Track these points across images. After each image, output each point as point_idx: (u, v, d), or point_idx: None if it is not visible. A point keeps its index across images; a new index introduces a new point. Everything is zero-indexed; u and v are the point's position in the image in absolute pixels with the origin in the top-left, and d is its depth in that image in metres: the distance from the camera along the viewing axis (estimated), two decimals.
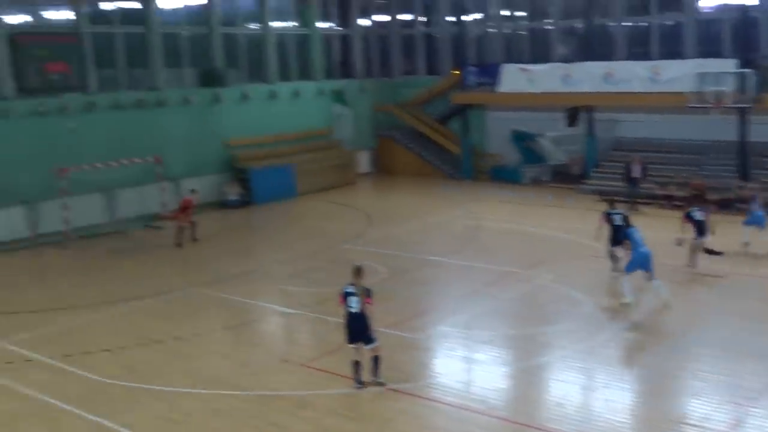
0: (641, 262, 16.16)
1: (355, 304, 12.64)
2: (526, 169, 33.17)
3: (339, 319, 15.77)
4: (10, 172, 24.34)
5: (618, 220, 18.31)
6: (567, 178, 31.69)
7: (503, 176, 33.46)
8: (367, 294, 12.68)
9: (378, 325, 15.60)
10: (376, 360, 12.88)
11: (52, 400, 12.71)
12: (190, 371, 13.80)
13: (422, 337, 15.24)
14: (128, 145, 26.89)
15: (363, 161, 36.52)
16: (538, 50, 35.11)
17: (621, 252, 17.62)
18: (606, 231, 18.55)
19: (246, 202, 29.88)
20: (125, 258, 22.65)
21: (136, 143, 27.20)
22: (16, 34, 25.05)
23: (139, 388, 13.12)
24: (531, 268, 19.72)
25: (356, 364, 12.79)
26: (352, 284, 12.84)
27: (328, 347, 14.66)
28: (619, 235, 17.71)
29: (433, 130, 36.17)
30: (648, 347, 14.43)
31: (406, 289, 18.53)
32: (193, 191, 25.26)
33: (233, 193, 29.72)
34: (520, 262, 20.42)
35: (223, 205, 29.52)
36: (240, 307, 17.59)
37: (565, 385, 12.84)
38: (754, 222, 20.62)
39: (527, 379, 13.22)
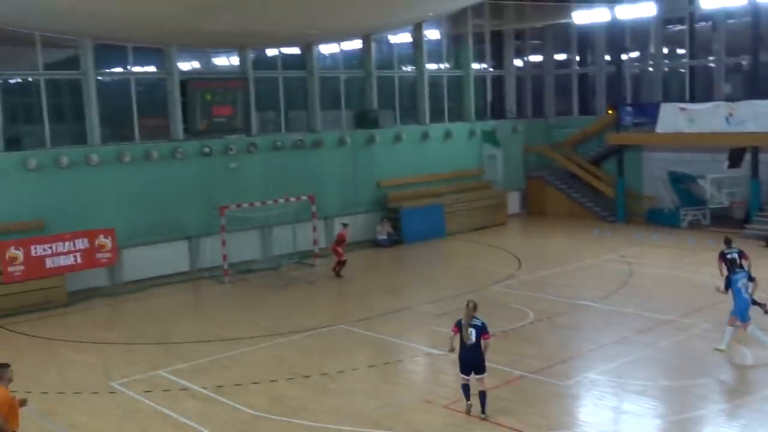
0: (745, 309, 15.71)
1: (474, 336, 13.17)
2: (685, 211, 31.79)
3: (488, 363, 15.63)
4: (176, 208, 25.73)
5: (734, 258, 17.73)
6: (728, 222, 30.08)
7: (659, 219, 32.18)
8: (485, 329, 13.29)
9: (524, 370, 15.36)
10: (483, 396, 13.21)
11: (204, 429, 13.16)
12: (336, 407, 13.95)
13: (569, 384, 14.76)
14: (285, 184, 27.82)
15: (513, 202, 36.16)
16: (699, 89, 33.76)
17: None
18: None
19: (396, 241, 30.19)
20: (277, 293, 23.34)
21: (293, 182, 28.11)
22: (187, 80, 26.61)
23: (286, 422, 13.37)
24: (687, 316, 18.77)
25: (466, 387, 13.35)
26: (471, 317, 13.39)
27: (471, 389, 14.46)
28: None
29: (586, 171, 35.38)
30: None
31: (553, 333, 18.06)
32: (345, 225, 26.37)
33: (384, 232, 30.11)
34: (675, 309, 19.48)
35: (374, 243, 29.95)
36: (386, 345, 17.68)
37: None
38: None
39: None
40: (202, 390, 15.10)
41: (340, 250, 25.36)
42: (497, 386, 14.64)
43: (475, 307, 13.45)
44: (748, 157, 29.52)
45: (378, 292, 22.90)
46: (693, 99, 32.94)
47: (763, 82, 30.25)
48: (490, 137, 35.02)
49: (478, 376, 13.22)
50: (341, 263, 25.22)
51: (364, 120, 31.14)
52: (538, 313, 19.61)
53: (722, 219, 30.50)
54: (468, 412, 13.34)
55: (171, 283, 24.88)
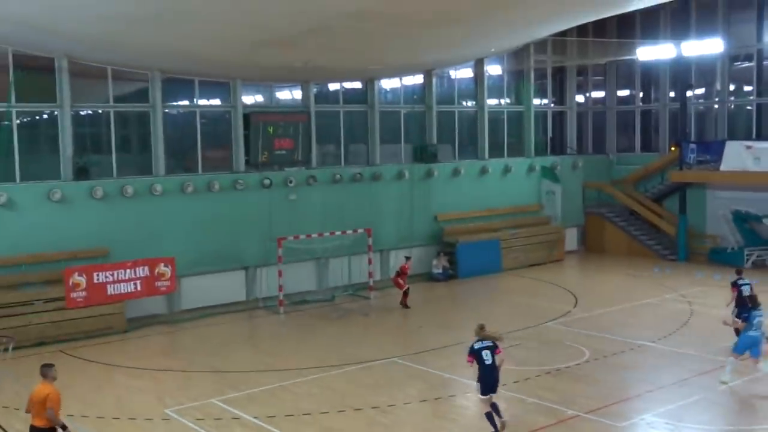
0: (749, 345, 16.38)
1: (489, 356, 13.76)
2: (749, 251, 30.96)
3: (537, 400, 15.38)
4: (236, 238, 26.03)
5: (746, 291, 17.89)
6: None
7: (722, 259, 31.37)
8: (496, 346, 13.94)
9: (578, 409, 15.05)
10: (496, 406, 13.81)
11: None
12: None
13: (625, 426, 14.40)
14: (342, 216, 27.96)
15: (571, 238, 35.67)
16: (766, 126, 33.01)
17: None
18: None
19: (451, 275, 30.03)
20: (331, 325, 23.38)
21: (350, 215, 28.23)
22: (250, 113, 27.09)
23: None
24: (749, 359, 18.19)
25: (490, 414, 13.68)
26: (480, 339, 13.97)
27: (521, 428, 14.23)
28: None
29: (647, 208, 34.77)
30: None
31: (609, 372, 17.69)
32: (408, 258, 26.76)
33: (439, 266, 29.98)
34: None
35: (429, 277, 29.83)
36: (439, 380, 17.53)
37: None
38: None
39: None
40: (253, 420, 15.14)
41: (401, 281, 25.56)
42: (550, 425, 14.38)
43: (481, 327, 14.11)
44: None
45: (432, 327, 22.76)
46: (759, 137, 32.20)
47: None
48: (549, 173, 34.75)
49: (495, 394, 13.89)
50: (405, 294, 25.38)
51: (423, 154, 31.20)
52: (594, 352, 19.25)
53: None
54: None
55: (227, 313, 25.13)
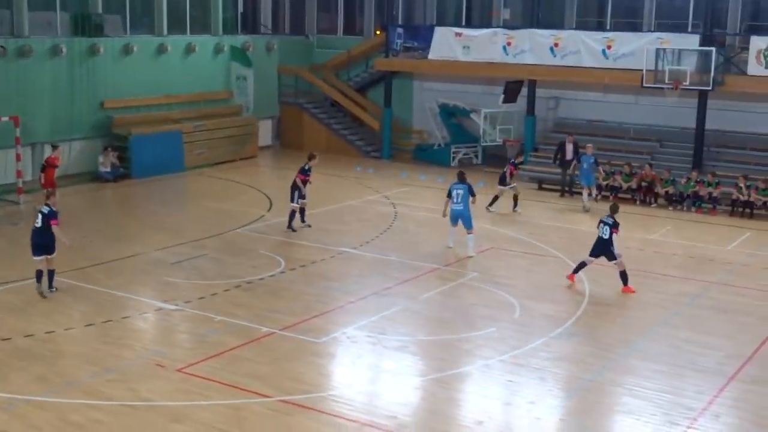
0: (456, 217, 20.96)
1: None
2: (456, 149, 33.38)
3: (226, 318, 15.69)
4: None
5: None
6: (501, 161, 31.98)
7: (428, 157, 33.62)
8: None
9: (273, 326, 15.57)
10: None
11: None
12: (42, 377, 13.38)
13: (325, 341, 15.15)
14: None
15: (264, 132, 36.14)
16: (477, 13, 35.31)
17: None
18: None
19: (123, 174, 29.28)
20: None
21: None
22: None
23: None
24: (452, 264, 19.87)
25: None
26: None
27: (209, 350, 14.46)
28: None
29: (350, 99, 36.05)
30: (582, 358, 14.65)
31: (308, 284, 18.42)
32: (54, 147, 25.47)
33: (107, 163, 29.04)
34: (442, 257, 20.57)
35: (95, 177, 28.87)
36: (110, 300, 17.17)
37: (486, 401, 12.94)
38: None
39: (444, 392, 13.26)
40: None
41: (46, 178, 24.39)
42: (242, 345, 14.75)
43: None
44: (524, 91, 31.41)
45: (100, 237, 22.12)
46: (469, 24, 34.42)
47: (544, 9, 32.20)
48: (240, 54, 34.62)
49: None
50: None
51: (86, 26, 29.67)
52: (291, 262, 19.90)
53: (495, 158, 32.35)
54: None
55: None
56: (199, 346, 14.80)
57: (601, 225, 18.30)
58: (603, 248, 18.23)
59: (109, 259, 20.00)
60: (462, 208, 20.82)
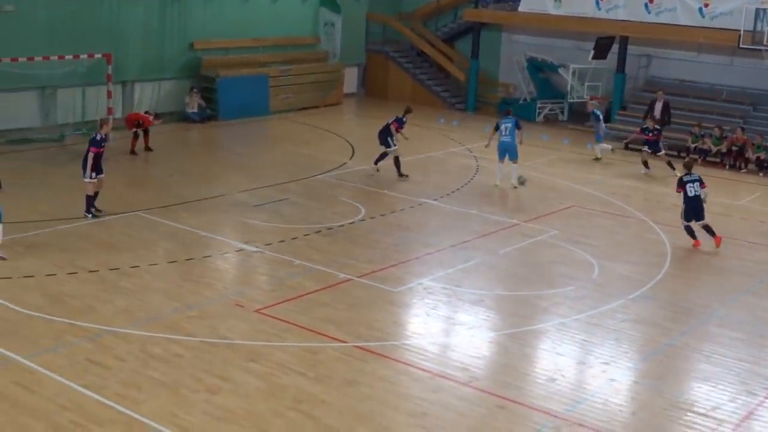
0: (504, 150, 22.51)
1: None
2: (541, 104, 33.01)
3: (305, 263, 15.90)
4: None
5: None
6: (587, 118, 31.58)
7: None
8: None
9: (350, 273, 15.75)
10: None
11: None
12: (127, 309, 13.82)
13: (401, 291, 15.29)
14: (74, 36, 26.43)
15: (350, 79, 36.22)
16: None
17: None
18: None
19: (210, 116, 29.70)
20: (59, 171, 22.48)
21: (85, 35, 26.71)
22: None
23: (66, 323, 13.12)
24: (534, 221, 19.77)
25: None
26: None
27: (287, 292, 14.72)
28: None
29: (437, 49, 35.83)
30: (660, 321, 14.52)
31: (387, 234, 18.53)
32: (149, 113, 25.75)
33: (193, 104, 29.46)
34: (521, 212, 20.50)
35: (182, 118, 29.33)
36: (192, 238, 17.55)
37: (560, 359, 12.95)
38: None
39: (518, 348, 13.30)
40: None
41: (139, 121, 24.88)
42: (319, 289, 14.97)
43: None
44: (615, 48, 30.82)
45: (184, 176, 22.56)
46: None
47: None
48: (329, 0, 34.57)
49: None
50: (146, 133, 24.96)
51: None
52: (372, 210, 20.02)
53: (581, 115, 31.94)
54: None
55: None
56: (277, 289, 15.08)
57: (689, 185, 18.11)
58: (698, 207, 18.26)
59: (193, 198, 20.40)
60: (510, 140, 22.44)
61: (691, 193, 18.24)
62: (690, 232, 18.43)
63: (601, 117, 26.98)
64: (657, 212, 20.85)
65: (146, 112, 25.73)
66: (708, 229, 18.29)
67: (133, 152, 24.62)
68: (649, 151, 25.10)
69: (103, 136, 18.55)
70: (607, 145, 26.80)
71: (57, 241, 16.96)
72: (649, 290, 15.90)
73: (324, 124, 30.26)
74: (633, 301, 15.31)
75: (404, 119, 23.39)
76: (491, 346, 13.47)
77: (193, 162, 24.69)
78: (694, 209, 18.31)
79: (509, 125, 22.52)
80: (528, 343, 13.58)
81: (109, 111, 26.11)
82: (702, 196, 18.30)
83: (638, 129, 26.16)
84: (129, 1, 28.27)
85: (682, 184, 18.34)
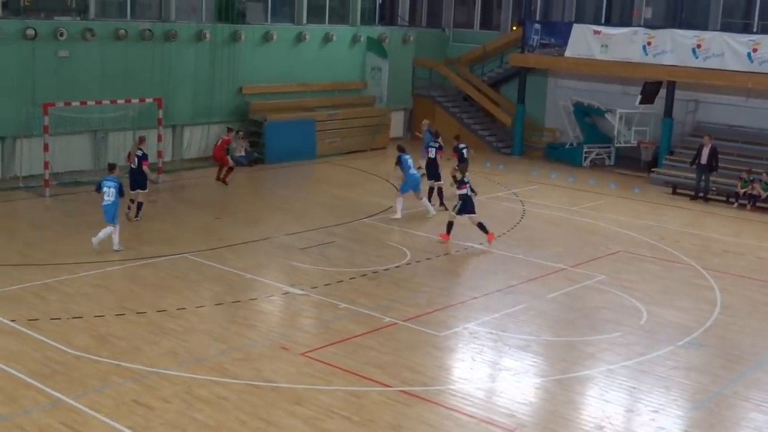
0: (412, 185, 22.97)
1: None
2: (588, 149, 32.85)
3: (350, 306, 15.85)
4: None
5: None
6: (635, 164, 31.34)
7: (560, 155, 33.18)
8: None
9: (395, 317, 15.67)
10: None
11: (11, 371, 12.82)
12: (173, 350, 13.87)
13: (446, 335, 15.17)
14: (127, 81, 26.98)
15: (396, 123, 36.38)
16: (617, 11, 34.62)
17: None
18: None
19: (256, 159, 29.96)
20: None
21: (137, 80, 27.29)
22: None
23: (112, 364, 13.20)
24: (580, 266, 19.56)
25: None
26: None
27: (333, 336, 14.68)
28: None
29: (483, 94, 35.90)
30: (709, 369, 14.23)
31: (432, 277, 18.50)
32: (230, 129, 27.44)
33: (240, 148, 29.74)
34: (568, 257, 20.28)
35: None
36: (238, 281, 17.61)
37: (608, 406, 12.72)
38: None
39: (565, 394, 13.10)
40: (10, 323, 14.66)
41: (223, 155, 26.19)
42: (364, 333, 14.91)
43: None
44: (662, 92, 30.62)
45: (231, 219, 22.71)
46: (609, 22, 33.77)
47: (687, 9, 31.27)
48: (376, 45, 34.90)
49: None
50: (230, 169, 26.26)
51: (229, 12, 30.42)
52: (417, 254, 19.97)
53: (628, 160, 31.72)
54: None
55: None
56: (323, 332, 15.05)
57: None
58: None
59: (239, 241, 20.50)
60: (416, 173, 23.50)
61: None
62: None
63: None
64: (706, 257, 20.54)
65: (237, 131, 28.54)
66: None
67: (224, 182, 26.13)
68: None
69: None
70: None
71: (106, 283, 17.13)
72: (698, 336, 15.63)
73: (370, 168, 30.34)
74: (682, 348, 15.04)
75: (438, 140, 24.91)
76: (538, 392, 13.29)
77: (240, 205, 24.86)
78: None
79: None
80: (575, 389, 13.38)
81: (159, 154, 26.50)
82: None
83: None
84: (180, 46, 28.77)
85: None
